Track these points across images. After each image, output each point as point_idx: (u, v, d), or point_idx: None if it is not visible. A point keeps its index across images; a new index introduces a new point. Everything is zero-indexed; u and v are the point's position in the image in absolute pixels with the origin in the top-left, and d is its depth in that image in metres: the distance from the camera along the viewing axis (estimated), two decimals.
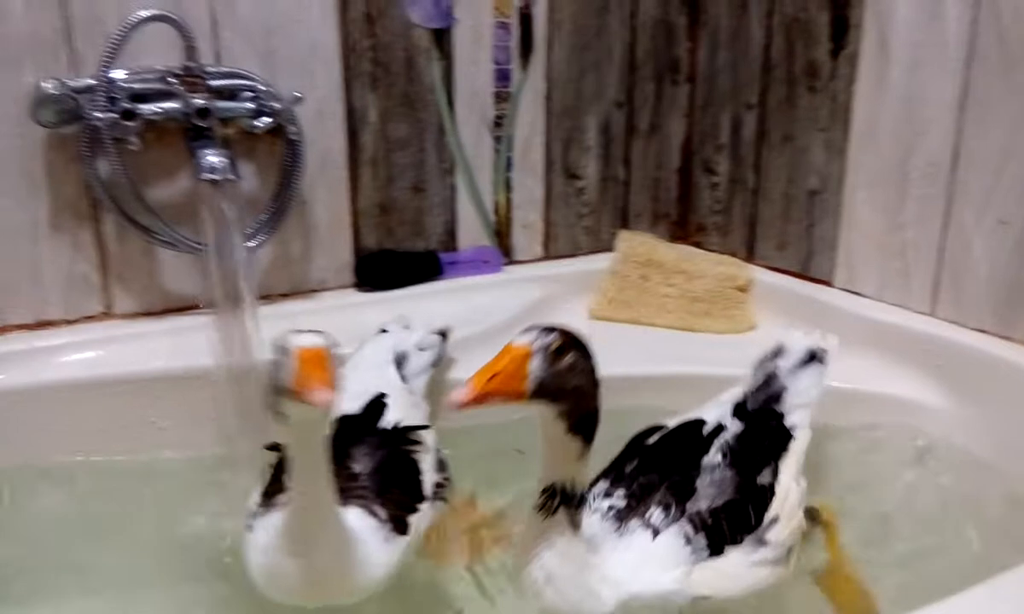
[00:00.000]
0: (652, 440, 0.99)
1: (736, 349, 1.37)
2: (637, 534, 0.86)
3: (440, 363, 1.21)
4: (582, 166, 1.54)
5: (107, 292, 1.26)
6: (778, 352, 1.10)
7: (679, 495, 0.89)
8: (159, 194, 1.24)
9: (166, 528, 1.08)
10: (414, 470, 0.96)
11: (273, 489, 0.90)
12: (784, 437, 0.99)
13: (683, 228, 1.65)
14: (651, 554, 0.85)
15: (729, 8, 1.48)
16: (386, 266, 1.42)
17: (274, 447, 0.97)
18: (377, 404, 1.02)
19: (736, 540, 0.87)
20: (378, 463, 0.93)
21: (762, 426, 1.00)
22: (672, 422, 1.03)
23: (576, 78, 1.49)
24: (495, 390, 0.74)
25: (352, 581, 0.84)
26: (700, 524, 0.87)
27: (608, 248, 1.58)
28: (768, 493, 0.92)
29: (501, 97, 1.44)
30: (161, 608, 0.98)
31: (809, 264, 1.43)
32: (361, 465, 0.93)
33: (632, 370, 1.32)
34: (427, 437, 1.02)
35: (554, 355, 0.76)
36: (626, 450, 0.99)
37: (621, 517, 0.89)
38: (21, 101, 1.13)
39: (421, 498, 0.94)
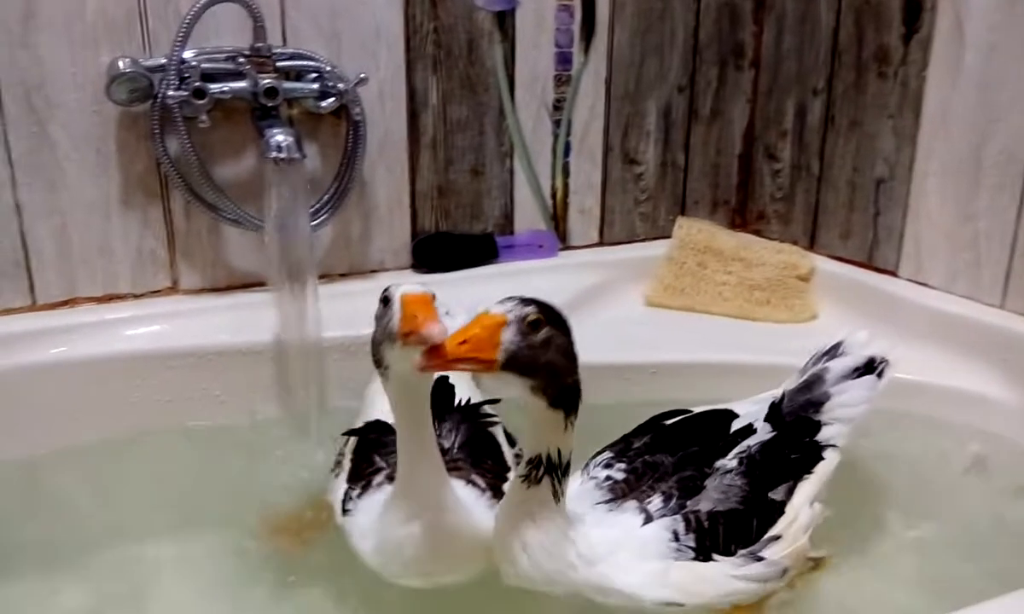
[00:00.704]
0: (670, 422, 0.97)
1: (796, 339, 1.35)
2: (628, 515, 0.84)
3: None
4: (641, 151, 1.53)
5: (174, 268, 1.29)
6: (835, 351, 1.03)
7: (684, 489, 0.86)
8: (226, 172, 1.26)
9: (229, 495, 1.11)
10: (495, 443, 0.96)
11: (363, 472, 0.91)
12: (812, 456, 0.94)
13: (743, 216, 1.62)
14: (634, 538, 0.83)
15: None
16: (443, 248, 1.43)
17: (352, 433, 0.98)
18: (444, 385, 1.03)
19: (728, 550, 0.84)
20: (465, 437, 0.94)
21: (792, 439, 0.95)
22: (698, 409, 1.00)
23: (638, 62, 1.47)
24: (464, 355, 0.72)
25: (473, 546, 0.83)
26: (694, 524, 0.84)
27: (665, 235, 1.57)
28: (777, 510, 0.89)
29: (561, 81, 1.44)
30: (217, 570, 1.00)
31: (874, 254, 1.40)
32: (448, 441, 0.94)
33: (688, 357, 1.31)
34: (494, 412, 1.02)
35: (529, 327, 0.74)
36: (641, 426, 0.97)
37: (616, 492, 0.87)
38: (97, 80, 1.16)
39: (507, 468, 0.94)
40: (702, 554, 0.83)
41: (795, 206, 1.52)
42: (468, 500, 0.86)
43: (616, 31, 1.45)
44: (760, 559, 0.85)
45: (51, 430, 1.16)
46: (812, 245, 1.50)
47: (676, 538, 0.83)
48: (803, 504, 0.90)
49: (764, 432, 0.95)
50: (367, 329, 1.26)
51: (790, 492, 0.90)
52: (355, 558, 0.89)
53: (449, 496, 0.83)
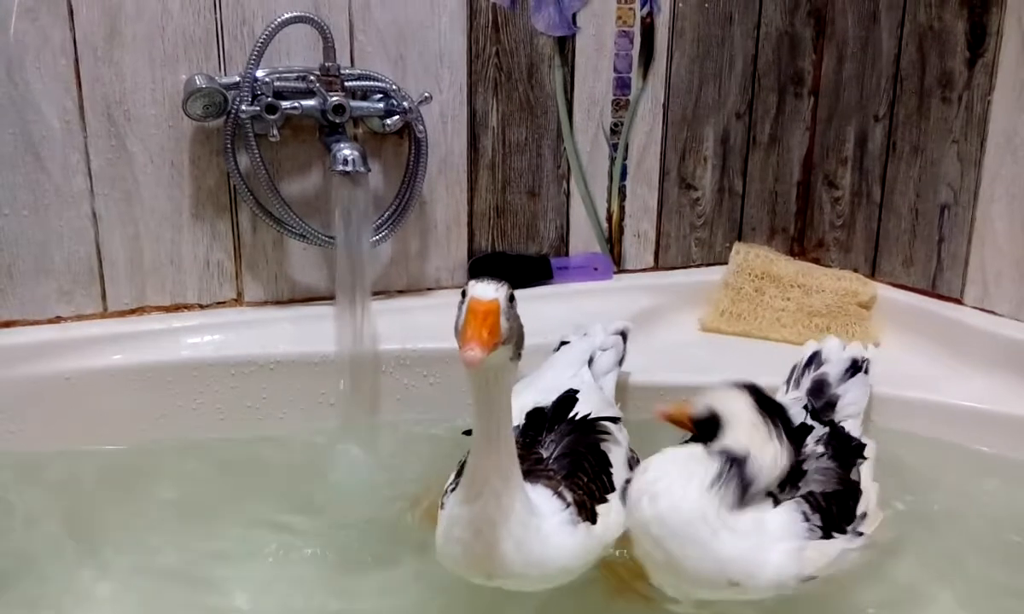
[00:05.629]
0: None
1: None
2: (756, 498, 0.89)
3: (623, 362, 1.21)
4: (698, 176, 1.53)
5: (239, 280, 1.33)
6: (817, 359, 1.14)
7: (790, 475, 0.92)
8: (292, 188, 1.30)
9: (284, 502, 1.12)
10: (604, 461, 0.94)
11: (461, 470, 0.89)
12: (858, 443, 1.04)
13: (801, 244, 1.61)
14: (771, 520, 0.88)
15: (858, 19, 1.45)
16: (499, 268, 1.45)
17: (470, 433, 0.97)
18: (568, 398, 1.01)
19: (841, 528, 0.92)
20: (566, 449, 0.92)
21: (838, 430, 1.04)
22: None
23: (696, 88, 1.49)
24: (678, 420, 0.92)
25: (527, 553, 0.80)
26: (816, 506, 0.90)
27: (721, 261, 1.56)
28: (858, 489, 0.98)
29: (620, 105, 1.45)
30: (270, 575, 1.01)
31: (938, 281, 1.37)
32: (548, 451, 0.92)
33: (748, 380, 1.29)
34: (616, 432, 1.00)
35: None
36: None
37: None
38: (175, 96, 1.22)
39: (610, 490, 0.92)
40: (826, 533, 0.90)
41: (855, 234, 1.50)
42: (543, 507, 0.83)
43: (675, 57, 1.46)
44: (861, 534, 0.93)
45: (117, 430, 1.20)
46: (873, 273, 1.47)
47: (806, 519, 0.89)
48: (870, 484, 1.00)
49: (819, 426, 1.03)
50: (422, 343, 1.30)
51: (858, 474, 1.00)
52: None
53: (514, 493, 0.80)
